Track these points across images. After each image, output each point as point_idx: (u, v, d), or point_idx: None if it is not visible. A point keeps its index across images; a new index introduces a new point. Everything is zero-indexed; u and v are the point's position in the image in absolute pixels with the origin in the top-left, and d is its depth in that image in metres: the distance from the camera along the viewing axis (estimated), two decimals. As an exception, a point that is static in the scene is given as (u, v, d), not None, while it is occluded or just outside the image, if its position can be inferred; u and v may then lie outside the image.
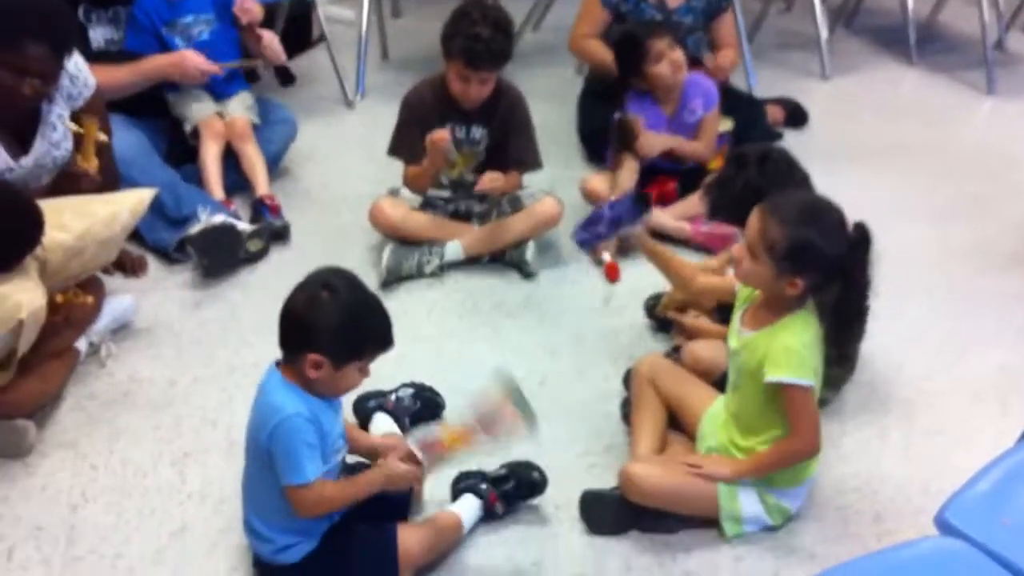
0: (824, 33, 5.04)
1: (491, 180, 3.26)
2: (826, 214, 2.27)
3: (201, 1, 3.58)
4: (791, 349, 2.24)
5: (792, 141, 4.30)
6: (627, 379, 2.78)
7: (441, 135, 3.15)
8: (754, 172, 2.64)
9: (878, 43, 5.49)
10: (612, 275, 3.35)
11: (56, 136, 2.85)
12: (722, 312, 2.87)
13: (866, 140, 4.42)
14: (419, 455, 2.19)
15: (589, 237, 2.75)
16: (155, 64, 3.46)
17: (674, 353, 2.81)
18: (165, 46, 3.54)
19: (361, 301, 2.09)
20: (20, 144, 2.81)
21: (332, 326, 2.02)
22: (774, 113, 4.40)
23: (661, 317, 3.02)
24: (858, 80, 5.05)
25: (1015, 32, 5.65)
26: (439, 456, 2.22)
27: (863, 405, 2.83)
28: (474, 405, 2.26)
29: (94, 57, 3.39)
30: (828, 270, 2.21)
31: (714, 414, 2.50)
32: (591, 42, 3.98)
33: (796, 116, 4.48)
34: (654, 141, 3.56)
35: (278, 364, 2.11)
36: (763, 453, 2.33)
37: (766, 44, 5.23)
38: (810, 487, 2.45)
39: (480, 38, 3.09)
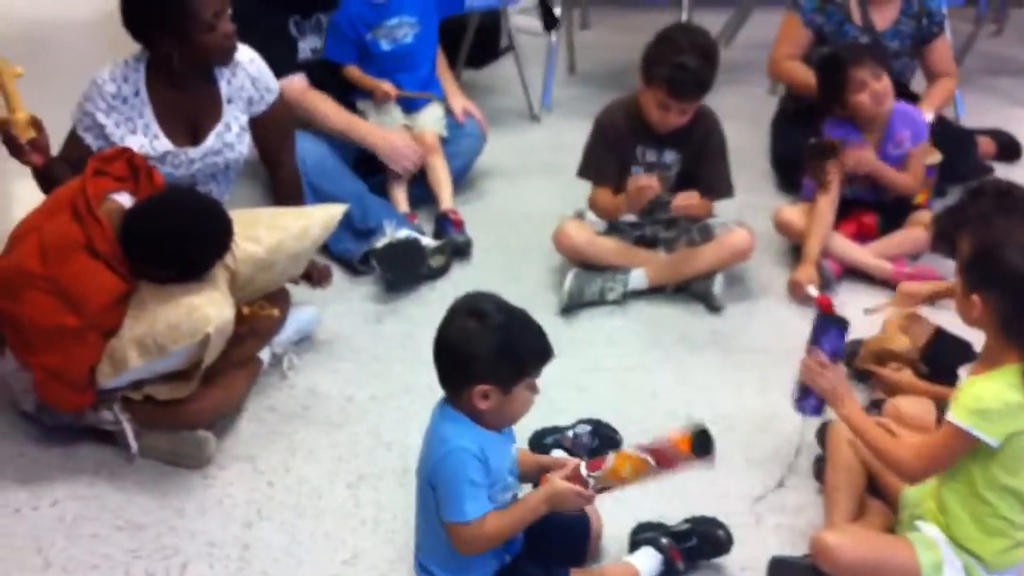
0: (1040, 60, 4.72)
1: (686, 199, 3.13)
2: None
3: (406, 3, 3.57)
4: (980, 396, 2.03)
5: (1004, 177, 4.03)
6: (821, 433, 2.60)
7: (651, 184, 3.04)
8: (989, 205, 2.45)
9: (1100, 71, 5.12)
10: (825, 309, 3.16)
11: (230, 137, 2.88)
12: (929, 366, 2.69)
13: (1087, 179, 4.09)
14: (585, 474, 2.07)
15: (817, 403, 2.38)
16: (368, 133, 3.49)
17: (873, 409, 2.62)
18: (366, 52, 3.54)
19: (511, 319, 2.01)
20: (193, 138, 2.84)
21: (491, 353, 1.95)
22: (984, 146, 4.12)
23: (860, 368, 2.83)
24: (1076, 111, 4.70)
25: None
26: (607, 480, 2.09)
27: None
28: (654, 437, 2.15)
29: (302, 69, 3.45)
30: (1012, 291, 2.00)
31: (919, 479, 2.31)
32: (792, 64, 3.79)
33: (1009, 149, 4.20)
34: (866, 155, 3.33)
35: (446, 400, 2.05)
36: (881, 434, 2.17)
37: (974, 69, 4.92)
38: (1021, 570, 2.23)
39: (686, 68, 2.96)
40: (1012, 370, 2.05)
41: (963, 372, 2.22)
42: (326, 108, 3.42)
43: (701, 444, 2.14)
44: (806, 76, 3.65)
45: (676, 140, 3.16)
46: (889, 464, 2.18)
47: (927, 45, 3.79)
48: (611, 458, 2.12)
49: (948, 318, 2.76)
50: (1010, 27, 5.47)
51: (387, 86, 3.53)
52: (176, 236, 2.41)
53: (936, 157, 3.59)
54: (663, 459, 2.11)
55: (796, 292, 3.21)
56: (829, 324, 2.32)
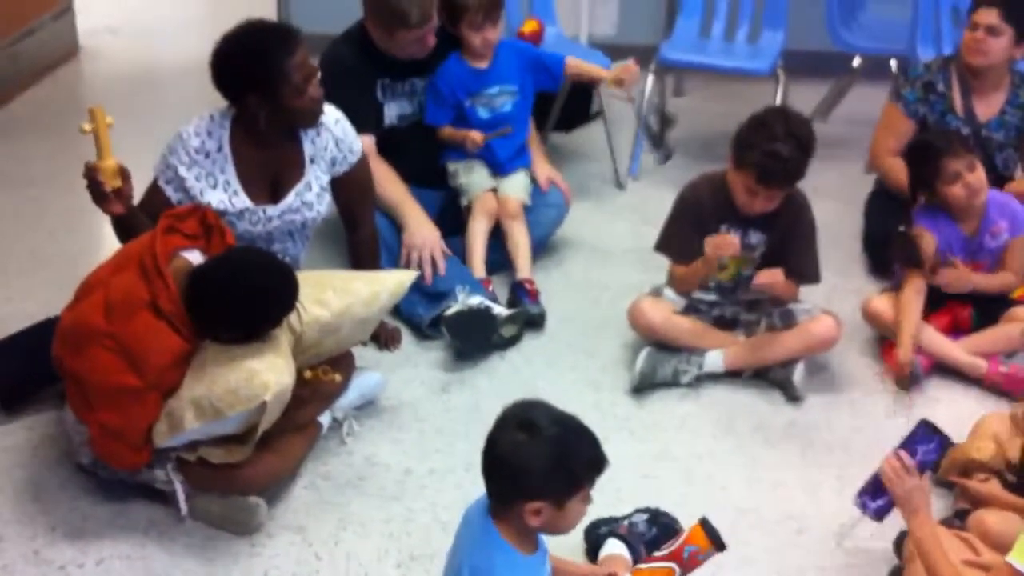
0: None
1: (770, 276, 3.02)
2: None
3: (506, 72, 3.56)
4: None
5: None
6: (898, 543, 2.46)
7: (731, 242, 2.95)
8: None
9: None
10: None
11: (309, 196, 2.86)
12: (1021, 479, 2.53)
13: None
14: None
15: (883, 507, 2.31)
16: (408, 215, 3.38)
17: (956, 520, 2.46)
18: (463, 118, 3.53)
19: (564, 430, 1.90)
20: (272, 196, 2.81)
21: (543, 469, 1.85)
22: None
23: (943, 479, 2.66)
24: None
25: None
26: None
27: None
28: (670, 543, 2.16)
29: (385, 134, 3.44)
30: None
31: (1003, 603, 2.15)
32: (893, 161, 3.62)
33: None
34: (963, 277, 3.19)
35: (492, 512, 1.95)
36: (944, 560, 2.07)
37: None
38: None
39: (779, 156, 2.86)
40: None
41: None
42: (383, 175, 3.34)
43: (713, 533, 2.15)
44: (903, 177, 3.51)
45: (763, 221, 3.06)
46: None
47: (1033, 136, 3.63)
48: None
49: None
50: None
51: (475, 134, 3.49)
52: (239, 297, 2.38)
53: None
54: (681, 560, 2.13)
55: (897, 371, 3.09)
56: (930, 434, 2.21)
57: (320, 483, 2.66)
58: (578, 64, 3.72)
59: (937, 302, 3.29)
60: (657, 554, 2.15)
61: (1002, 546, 2.26)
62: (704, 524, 2.17)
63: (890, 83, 3.99)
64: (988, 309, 3.26)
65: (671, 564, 2.15)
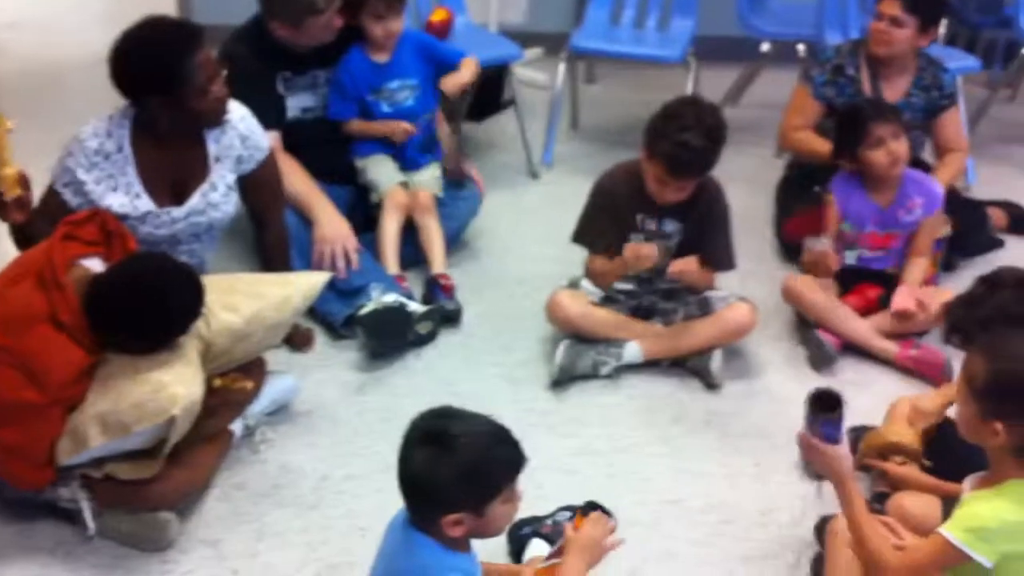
0: (1056, 129, 4.60)
1: (685, 264, 3.03)
2: None
3: (408, 66, 3.49)
4: (979, 514, 1.92)
5: (1016, 251, 3.92)
6: (819, 529, 2.47)
7: (649, 252, 2.94)
8: (1010, 296, 2.36)
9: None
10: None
11: (215, 196, 2.78)
12: (933, 458, 2.55)
13: (1102, 256, 3.97)
14: None
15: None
16: (319, 210, 3.29)
17: (876, 504, 2.48)
18: (367, 112, 3.46)
19: (475, 436, 1.83)
20: (177, 198, 2.73)
21: (456, 481, 1.79)
22: (996, 217, 4.01)
23: (862, 464, 2.68)
24: (1091, 183, 4.58)
25: None
26: None
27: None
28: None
29: (289, 129, 3.35)
30: None
31: (921, 586, 2.17)
32: (802, 133, 3.68)
33: (1020, 222, 4.07)
34: (909, 305, 3.20)
35: (415, 525, 1.89)
36: (872, 526, 2.07)
37: (987, 136, 4.80)
38: None
39: (689, 147, 2.85)
40: (1018, 486, 1.94)
41: (967, 483, 2.09)
42: (290, 170, 3.25)
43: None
44: (819, 144, 3.55)
45: (678, 210, 3.05)
46: (871, 560, 2.06)
47: (938, 118, 3.68)
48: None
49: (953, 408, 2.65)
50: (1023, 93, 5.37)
51: (404, 124, 3.43)
52: (142, 306, 2.30)
53: (945, 229, 3.48)
54: None
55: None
56: (821, 414, 2.16)
57: (234, 494, 2.58)
58: (466, 74, 3.57)
59: (848, 284, 3.32)
60: (553, 550, 2.12)
61: (922, 528, 2.28)
62: (584, 513, 2.15)
63: (799, 67, 4.01)
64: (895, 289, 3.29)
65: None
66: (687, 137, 2.84)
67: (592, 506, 2.27)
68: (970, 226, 3.72)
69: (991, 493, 1.95)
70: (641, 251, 2.96)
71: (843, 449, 2.13)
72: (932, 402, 2.64)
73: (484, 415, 1.90)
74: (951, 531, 1.93)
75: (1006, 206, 4.09)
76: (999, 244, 3.92)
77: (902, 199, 3.28)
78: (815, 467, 2.21)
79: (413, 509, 1.87)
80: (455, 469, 1.78)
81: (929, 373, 3.11)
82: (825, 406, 2.15)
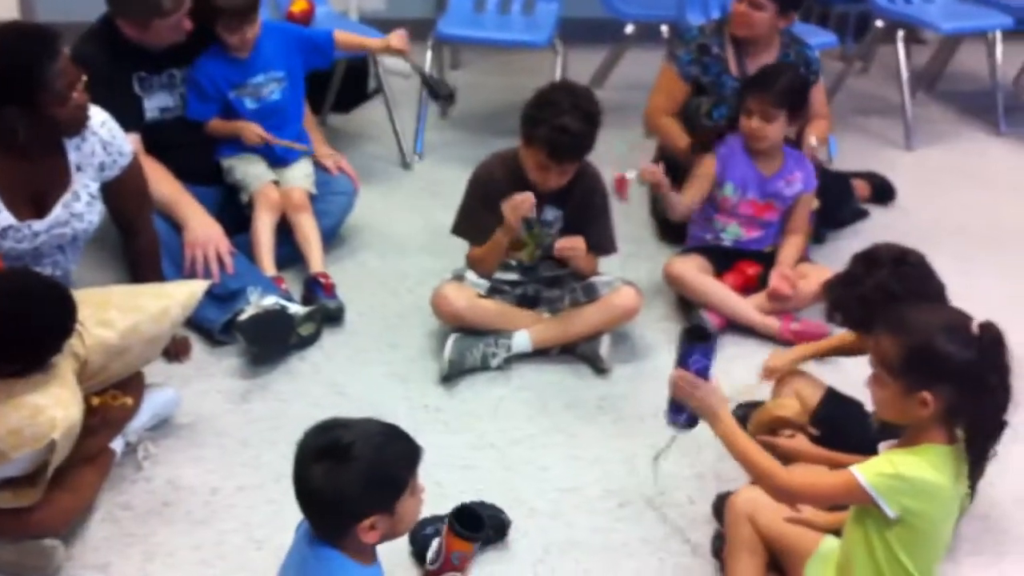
0: (908, 100, 4.76)
1: (572, 242, 3.01)
2: (940, 313, 2.03)
3: (271, 58, 3.39)
4: (896, 464, 1.95)
5: (880, 220, 4.06)
6: (717, 507, 2.50)
7: (526, 198, 2.90)
8: (888, 274, 2.40)
9: (962, 110, 5.22)
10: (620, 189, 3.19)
11: (78, 207, 2.64)
12: (820, 428, 2.61)
13: (960, 220, 4.13)
14: None
15: (689, 417, 2.29)
16: (188, 214, 3.18)
17: (770, 480, 2.51)
18: (231, 110, 3.35)
19: (370, 439, 1.80)
20: (37, 209, 2.59)
21: (364, 488, 1.76)
22: (859, 188, 4.14)
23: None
24: (943, 151, 4.77)
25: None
26: None
27: (977, 542, 2.54)
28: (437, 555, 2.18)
29: (149, 130, 3.22)
30: (961, 380, 1.92)
31: (823, 556, 2.21)
32: (667, 120, 3.72)
33: (883, 192, 4.22)
34: (785, 288, 3.25)
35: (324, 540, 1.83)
36: (758, 451, 2.10)
37: (845, 109, 4.95)
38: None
39: (567, 130, 2.84)
40: (934, 450, 1.98)
41: (882, 448, 2.13)
42: (155, 173, 3.12)
43: (462, 532, 2.16)
44: (678, 136, 3.60)
45: (557, 197, 3.04)
46: (761, 475, 2.08)
47: (805, 92, 3.75)
48: None
49: (837, 378, 2.72)
50: (876, 65, 5.54)
51: (256, 128, 3.34)
52: (9, 326, 2.15)
53: (814, 203, 3.56)
54: (453, 567, 2.12)
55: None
56: (693, 344, 2.21)
57: (120, 514, 2.47)
58: (347, 37, 3.58)
59: (727, 263, 3.37)
60: (431, 568, 2.10)
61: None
62: (452, 526, 2.11)
63: (663, 48, 4.05)
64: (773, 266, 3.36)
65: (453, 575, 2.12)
66: (565, 121, 2.83)
67: (454, 525, 2.22)
68: (836, 199, 3.82)
69: (908, 451, 1.99)
70: (516, 201, 2.91)
71: (714, 383, 2.18)
72: (784, 359, 2.72)
73: (368, 418, 1.87)
74: (863, 472, 1.95)
75: (868, 177, 4.23)
76: (864, 214, 4.05)
77: (784, 171, 3.35)
78: (689, 404, 2.19)
79: (321, 526, 1.82)
80: (358, 476, 1.75)
81: (813, 344, 3.19)
82: (697, 338, 2.21)
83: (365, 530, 1.77)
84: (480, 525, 2.24)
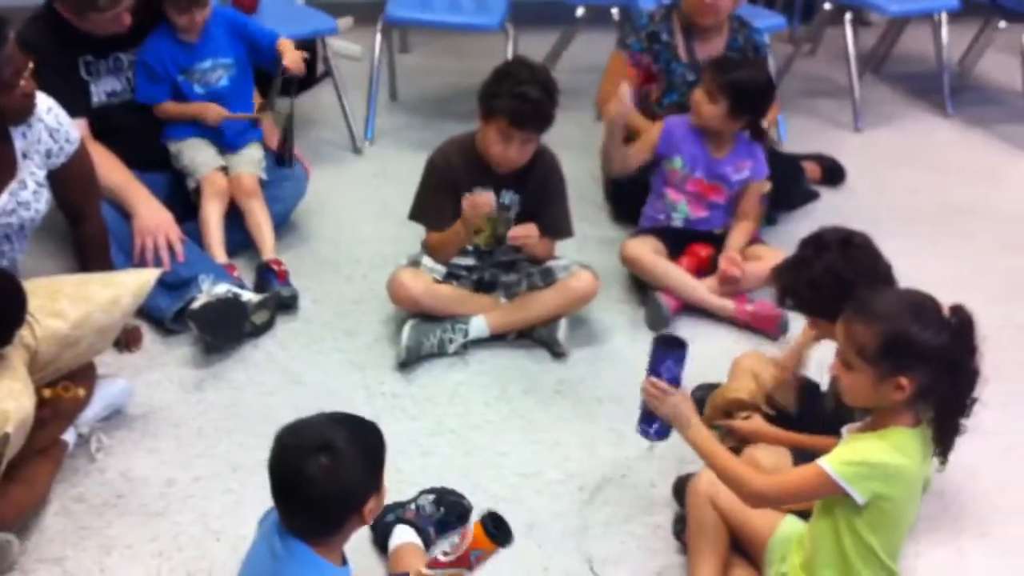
0: (856, 82, 4.79)
1: (525, 230, 3.00)
2: (914, 301, 2.02)
3: (220, 45, 3.32)
4: (860, 451, 1.98)
5: (830, 202, 4.09)
6: (678, 489, 2.51)
7: (486, 199, 2.90)
8: (836, 257, 2.40)
9: (909, 92, 5.26)
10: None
11: (25, 195, 2.57)
12: (781, 413, 2.62)
13: (909, 201, 4.17)
14: None
15: (661, 428, 2.25)
16: (137, 200, 3.13)
17: (729, 461, 2.52)
18: (180, 94, 3.29)
19: (345, 425, 1.82)
20: None
21: (363, 473, 1.79)
22: (810, 170, 4.16)
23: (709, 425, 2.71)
24: (891, 132, 4.81)
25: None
26: None
27: (935, 520, 2.56)
28: (455, 544, 2.08)
29: (96, 115, 3.15)
30: (935, 364, 1.94)
31: (784, 537, 2.23)
32: None
33: (833, 174, 4.24)
34: (734, 273, 3.27)
35: (303, 538, 1.81)
36: (730, 457, 2.11)
37: (793, 91, 4.97)
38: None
39: (528, 98, 2.85)
40: (900, 433, 2.00)
41: (845, 431, 2.14)
42: (102, 160, 3.06)
43: (495, 534, 2.07)
44: (632, 118, 3.57)
45: (515, 180, 3.03)
46: (739, 487, 2.08)
47: (752, 73, 3.76)
48: None
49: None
50: (824, 47, 5.57)
51: (217, 107, 3.28)
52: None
53: (766, 187, 3.57)
54: (469, 564, 2.06)
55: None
56: (666, 350, 2.21)
57: (74, 507, 2.42)
58: (286, 48, 3.39)
59: (680, 245, 3.38)
60: (443, 559, 2.08)
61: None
62: (485, 525, 2.09)
63: (614, 31, 4.04)
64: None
65: (459, 570, 2.08)
66: (525, 89, 2.86)
67: (488, 526, 2.10)
68: (787, 181, 3.83)
69: (874, 435, 2.00)
70: (477, 200, 2.91)
71: (685, 391, 2.18)
72: (791, 358, 2.68)
73: (320, 412, 1.85)
74: (830, 463, 1.96)
75: (818, 159, 4.25)
76: (815, 196, 4.08)
77: (734, 157, 3.36)
78: (660, 412, 2.18)
79: (320, 526, 1.80)
80: (355, 463, 1.77)
81: (766, 326, 3.20)
82: (669, 346, 2.20)
83: (368, 513, 1.80)
84: (510, 532, 2.13)
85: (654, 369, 2.19)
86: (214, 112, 3.29)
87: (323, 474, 1.73)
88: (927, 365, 1.94)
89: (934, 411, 2.01)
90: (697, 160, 3.33)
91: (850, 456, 1.98)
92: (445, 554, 2.06)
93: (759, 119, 3.38)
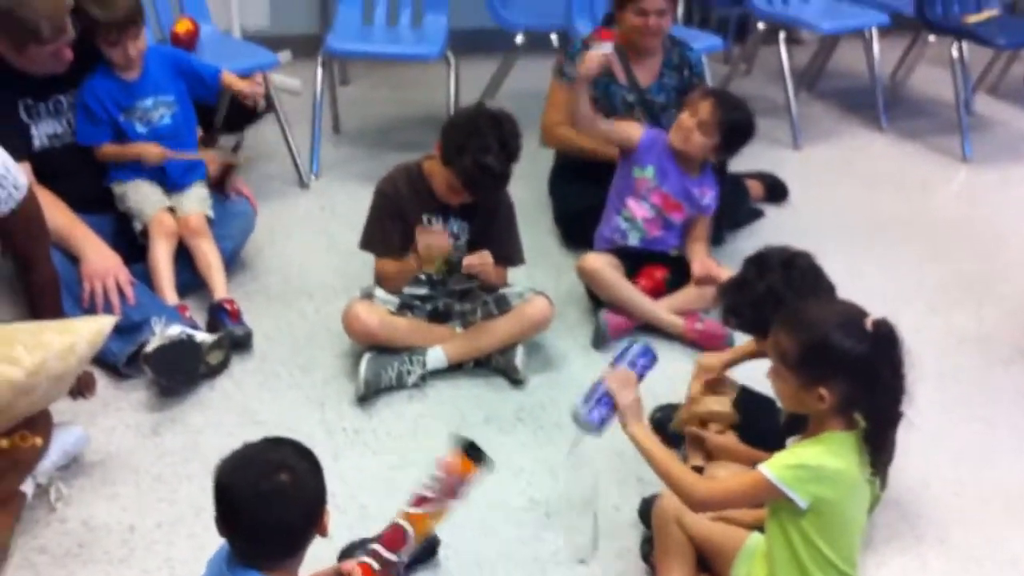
0: (793, 100, 4.89)
1: (479, 258, 3.00)
2: (836, 309, 2.09)
3: (161, 82, 3.30)
4: (799, 455, 2.03)
5: (774, 219, 4.16)
6: (644, 511, 2.52)
7: (442, 240, 2.92)
8: (778, 278, 2.46)
9: (844, 107, 5.38)
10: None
11: None
12: (739, 426, 2.66)
13: (847, 216, 4.26)
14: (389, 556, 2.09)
15: (603, 419, 2.22)
16: (85, 244, 3.09)
17: (692, 479, 2.54)
18: (122, 134, 3.26)
19: (296, 445, 1.87)
20: None
21: (315, 493, 1.83)
22: (753, 188, 4.23)
23: (674, 432, 2.75)
24: (829, 148, 4.91)
25: (981, 95, 5.56)
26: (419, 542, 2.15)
27: (894, 528, 2.61)
28: (437, 477, 2.15)
29: (38, 158, 3.11)
30: (855, 373, 1.99)
31: (749, 552, 2.25)
32: (566, 131, 3.71)
33: (776, 191, 4.32)
34: (703, 266, 3.30)
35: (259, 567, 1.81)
36: (669, 456, 2.13)
37: (732, 110, 5.04)
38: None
39: (489, 170, 2.86)
40: (834, 438, 2.05)
41: (789, 443, 2.18)
42: (47, 203, 2.95)
43: (477, 456, 2.16)
44: (581, 141, 3.62)
45: (462, 208, 3.04)
46: (677, 488, 2.12)
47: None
48: (408, 529, 2.12)
49: (745, 374, 2.77)
50: (758, 67, 5.67)
51: (155, 147, 3.25)
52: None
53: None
54: (454, 493, 2.14)
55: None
56: (643, 353, 2.28)
57: (36, 558, 2.37)
58: (233, 80, 3.42)
59: (634, 267, 3.41)
60: (431, 495, 2.11)
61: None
62: (465, 451, 2.14)
63: (554, 56, 4.07)
64: (682, 270, 3.40)
65: (445, 503, 2.14)
66: (489, 161, 2.85)
67: (470, 446, 2.18)
68: (733, 200, 3.89)
69: (811, 441, 2.05)
70: (431, 239, 2.92)
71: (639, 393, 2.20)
72: (718, 359, 2.75)
73: (246, 441, 1.87)
74: (770, 468, 2.01)
75: (760, 177, 4.32)
76: (760, 214, 4.15)
77: (701, 181, 3.41)
78: (619, 401, 2.17)
79: (283, 549, 1.82)
80: (309, 478, 1.81)
81: (713, 344, 3.24)
82: (647, 350, 2.29)
83: (325, 523, 1.85)
84: (485, 452, 2.19)
85: (632, 360, 2.25)
86: (155, 152, 3.26)
87: (290, 490, 1.75)
88: (845, 375, 1.99)
89: (865, 422, 2.06)
90: (669, 173, 3.36)
91: (789, 460, 2.03)
92: (428, 489, 2.10)
93: (732, 156, 3.44)
